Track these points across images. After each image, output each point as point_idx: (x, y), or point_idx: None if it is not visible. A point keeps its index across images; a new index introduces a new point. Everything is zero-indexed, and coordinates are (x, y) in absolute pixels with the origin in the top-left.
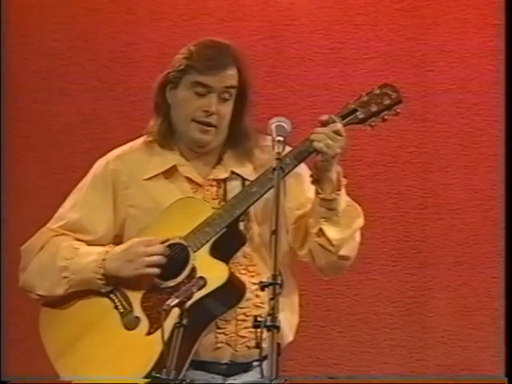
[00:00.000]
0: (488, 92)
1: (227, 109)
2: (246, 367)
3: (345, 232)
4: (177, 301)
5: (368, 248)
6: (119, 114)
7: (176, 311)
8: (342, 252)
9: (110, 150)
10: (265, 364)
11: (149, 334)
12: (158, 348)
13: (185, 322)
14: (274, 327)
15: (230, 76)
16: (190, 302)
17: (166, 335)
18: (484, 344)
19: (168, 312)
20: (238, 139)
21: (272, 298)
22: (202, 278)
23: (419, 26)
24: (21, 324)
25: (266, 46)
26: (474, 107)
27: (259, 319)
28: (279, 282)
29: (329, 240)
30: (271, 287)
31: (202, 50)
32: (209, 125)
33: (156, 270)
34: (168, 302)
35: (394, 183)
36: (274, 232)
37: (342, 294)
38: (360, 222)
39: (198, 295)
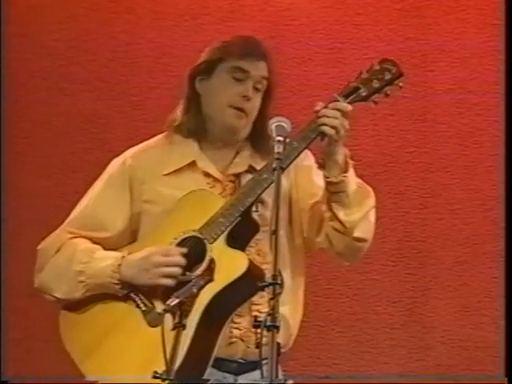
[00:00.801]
0: (488, 92)
1: (258, 100)
2: (255, 366)
3: (356, 214)
4: (177, 301)
5: (368, 248)
6: (119, 114)
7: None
8: (356, 234)
9: (110, 150)
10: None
11: (174, 328)
12: (185, 343)
13: (184, 321)
14: (274, 327)
15: (264, 67)
16: (213, 293)
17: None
18: (484, 344)
19: (168, 311)
20: (259, 137)
21: (272, 298)
22: (201, 277)
23: (419, 26)
24: (21, 324)
25: (265, 46)
26: (474, 107)
27: (259, 319)
28: (279, 281)
29: (341, 223)
30: (271, 287)
31: (238, 40)
32: (244, 111)
33: (171, 282)
34: (168, 302)
35: (394, 183)
36: (274, 232)
37: (341, 294)
38: (371, 202)
39: (222, 284)
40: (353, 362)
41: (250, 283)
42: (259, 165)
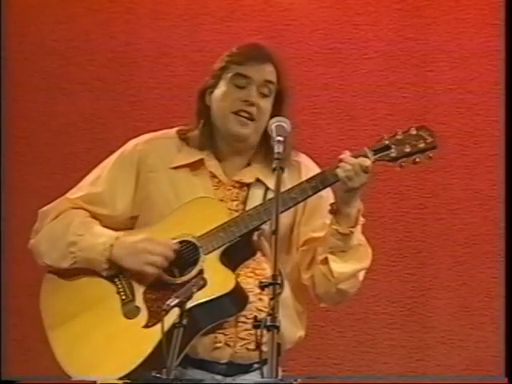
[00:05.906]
0: (488, 92)
1: (267, 105)
2: (245, 368)
3: (348, 268)
4: (177, 301)
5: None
6: (119, 114)
7: (175, 311)
8: (342, 286)
9: (109, 150)
10: (265, 366)
11: (146, 326)
12: (152, 343)
13: (185, 321)
14: (274, 327)
15: (269, 71)
16: (191, 304)
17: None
18: (484, 344)
19: (168, 312)
20: (270, 149)
21: (272, 298)
22: (202, 278)
23: (419, 26)
24: (21, 324)
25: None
26: (474, 107)
27: (259, 319)
28: (279, 281)
29: (331, 271)
30: (271, 287)
31: (241, 48)
32: (248, 117)
33: (153, 270)
34: (168, 302)
35: (394, 183)
36: (274, 232)
37: None
38: (366, 263)
39: (201, 299)
40: (353, 362)
41: (230, 305)
42: (268, 179)
